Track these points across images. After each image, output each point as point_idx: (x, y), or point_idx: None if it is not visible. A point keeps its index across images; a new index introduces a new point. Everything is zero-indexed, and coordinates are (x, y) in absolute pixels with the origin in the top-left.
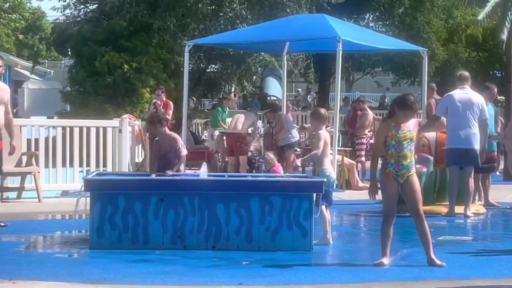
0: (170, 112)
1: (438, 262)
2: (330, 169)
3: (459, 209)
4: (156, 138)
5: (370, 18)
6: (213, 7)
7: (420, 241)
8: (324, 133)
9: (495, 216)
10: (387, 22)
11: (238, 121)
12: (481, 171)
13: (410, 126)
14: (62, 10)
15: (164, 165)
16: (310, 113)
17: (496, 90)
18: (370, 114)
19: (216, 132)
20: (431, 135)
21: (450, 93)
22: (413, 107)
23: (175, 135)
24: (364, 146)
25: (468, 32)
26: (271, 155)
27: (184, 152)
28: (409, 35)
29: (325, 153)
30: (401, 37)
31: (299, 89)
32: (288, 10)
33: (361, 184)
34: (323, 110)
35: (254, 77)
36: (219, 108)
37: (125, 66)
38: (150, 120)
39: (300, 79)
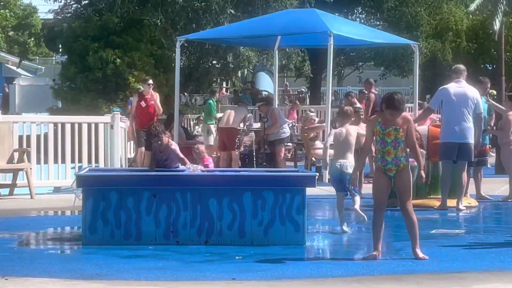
0: (158, 103)
1: (420, 255)
2: (341, 161)
3: (451, 202)
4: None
5: (360, 12)
6: (202, 3)
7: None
8: (337, 130)
9: (487, 209)
10: (377, 16)
11: (230, 115)
12: (473, 164)
13: (397, 123)
14: (57, 10)
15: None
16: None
17: (489, 84)
18: (359, 106)
19: (212, 127)
20: (423, 129)
21: (445, 86)
22: (399, 107)
23: (175, 146)
24: None
25: (457, 28)
26: (201, 148)
27: (182, 155)
28: (399, 29)
29: (336, 148)
30: (390, 32)
31: (287, 83)
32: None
33: None
34: (347, 108)
35: (246, 72)
36: (211, 101)
37: (118, 60)
38: (154, 134)
39: (291, 74)
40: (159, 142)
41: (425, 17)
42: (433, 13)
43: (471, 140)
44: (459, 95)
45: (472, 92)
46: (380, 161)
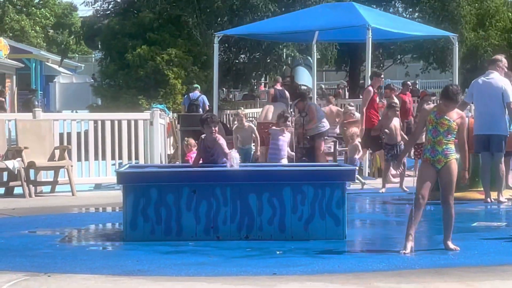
0: None
1: (452, 246)
2: None
3: (492, 195)
4: (203, 136)
5: (399, 5)
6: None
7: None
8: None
9: None
10: (417, 8)
11: (268, 111)
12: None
13: (452, 116)
14: (93, 3)
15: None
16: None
17: None
18: (396, 102)
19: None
20: None
21: (476, 79)
22: (454, 98)
23: (222, 141)
24: None
25: (497, 17)
26: (191, 141)
27: (228, 150)
28: (441, 20)
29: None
30: (430, 23)
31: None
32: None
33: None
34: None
35: (284, 67)
36: None
37: (158, 58)
38: (213, 120)
39: (329, 67)
40: (214, 129)
41: (467, 7)
42: (473, 2)
43: (500, 131)
44: (486, 87)
45: (498, 82)
46: (429, 152)
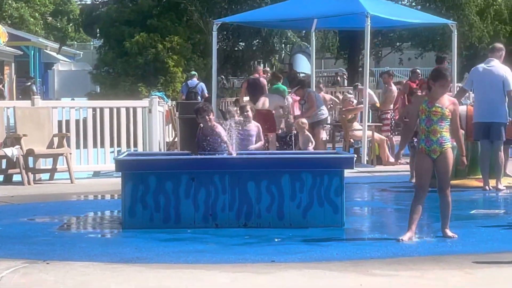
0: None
1: (450, 234)
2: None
3: (491, 182)
4: (202, 124)
5: None
6: None
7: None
8: None
9: None
10: None
11: (265, 100)
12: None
13: (444, 103)
14: None
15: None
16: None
17: None
18: (394, 89)
19: None
20: (461, 108)
21: (476, 66)
22: (447, 74)
23: (219, 129)
24: (389, 121)
25: (495, 7)
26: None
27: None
28: (446, 7)
29: None
30: (431, 11)
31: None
32: None
33: (392, 159)
34: None
35: (283, 54)
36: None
37: (159, 45)
38: (205, 109)
39: (331, 55)
40: (207, 118)
41: None
42: None
43: (500, 119)
44: (487, 75)
45: (499, 70)
46: (424, 142)
